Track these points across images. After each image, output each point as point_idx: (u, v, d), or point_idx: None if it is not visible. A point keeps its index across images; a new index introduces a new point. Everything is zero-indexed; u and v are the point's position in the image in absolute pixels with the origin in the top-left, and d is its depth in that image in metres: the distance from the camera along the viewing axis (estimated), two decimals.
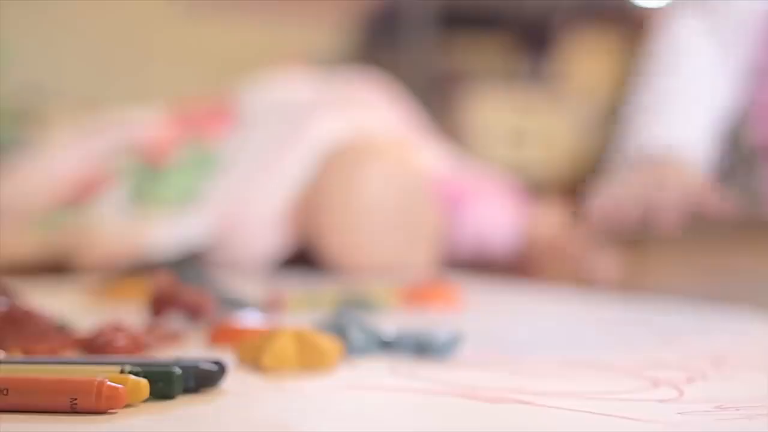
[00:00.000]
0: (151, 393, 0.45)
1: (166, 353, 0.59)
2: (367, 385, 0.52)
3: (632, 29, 2.47)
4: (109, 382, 0.43)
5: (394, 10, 2.76)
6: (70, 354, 0.58)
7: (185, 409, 0.45)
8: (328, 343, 0.57)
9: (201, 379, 0.48)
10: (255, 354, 0.55)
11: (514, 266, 0.98)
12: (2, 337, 0.58)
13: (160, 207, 1.16)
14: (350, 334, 0.60)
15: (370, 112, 1.29)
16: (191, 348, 0.62)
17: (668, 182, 0.90)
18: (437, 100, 2.57)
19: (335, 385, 0.52)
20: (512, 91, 2.73)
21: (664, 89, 0.95)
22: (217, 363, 0.49)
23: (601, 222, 0.93)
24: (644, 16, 1.00)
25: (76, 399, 0.43)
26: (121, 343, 0.57)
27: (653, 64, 0.99)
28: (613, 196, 0.93)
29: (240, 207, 1.18)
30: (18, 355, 0.56)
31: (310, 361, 0.55)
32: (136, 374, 0.46)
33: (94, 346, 0.58)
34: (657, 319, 0.81)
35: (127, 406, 0.44)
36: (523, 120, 2.68)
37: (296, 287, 0.96)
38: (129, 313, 0.72)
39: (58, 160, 1.23)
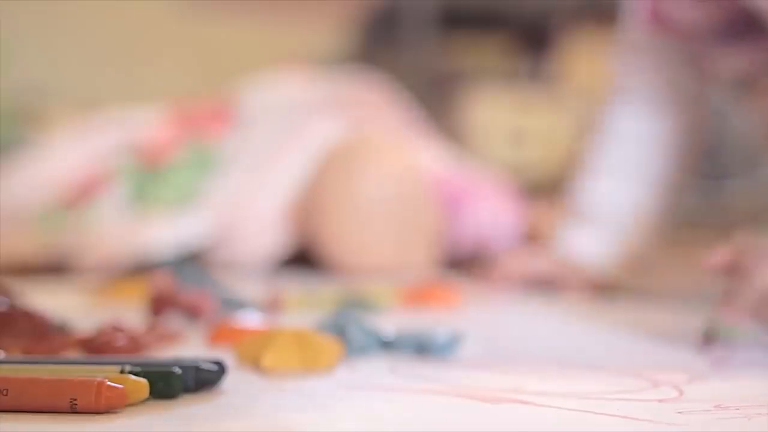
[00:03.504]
0: (151, 393, 0.45)
1: (166, 353, 0.59)
2: (367, 385, 0.52)
3: None
4: (109, 382, 0.43)
5: (394, 11, 2.76)
6: (70, 354, 0.58)
7: (185, 409, 0.45)
8: (328, 343, 0.57)
9: (201, 379, 0.48)
10: (255, 354, 0.55)
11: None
12: (2, 337, 0.58)
13: (159, 207, 1.16)
14: (350, 334, 0.60)
15: (370, 113, 1.29)
16: (191, 348, 0.62)
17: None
18: (437, 100, 2.56)
19: (335, 385, 0.52)
20: (512, 91, 2.73)
21: (607, 152, 0.99)
22: (217, 363, 0.49)
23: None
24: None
25: (75, 399, 0.43)
26: (121, 343, 0.57)
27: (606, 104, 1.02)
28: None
29: (240, 207, 1.18)
30: (18, 355, 0.56)
31: (310, 361, 0.55)
32: (136, 374, 0.46)
33: (94, 346, 0.58)
34: (657, 319, 0.81)
35: (127, 406, 0.44)
36: (523, 120, 2.68)
37: (296, 287, 0.96)
38: (129, 313, 0.72)
39: (58, 160, 1.23)
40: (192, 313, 0.70)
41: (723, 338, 0.66)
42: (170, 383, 0.46)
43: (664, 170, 0.99)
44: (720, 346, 0.65)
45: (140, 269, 1.04)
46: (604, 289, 0.96)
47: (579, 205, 1.01)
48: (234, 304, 0.75)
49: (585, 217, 1.00)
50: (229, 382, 0.49)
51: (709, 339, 0.66)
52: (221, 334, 0.63)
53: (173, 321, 0.70)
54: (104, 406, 0.43)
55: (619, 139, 0.99)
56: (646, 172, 0.98)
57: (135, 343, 0.58)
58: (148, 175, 1.18)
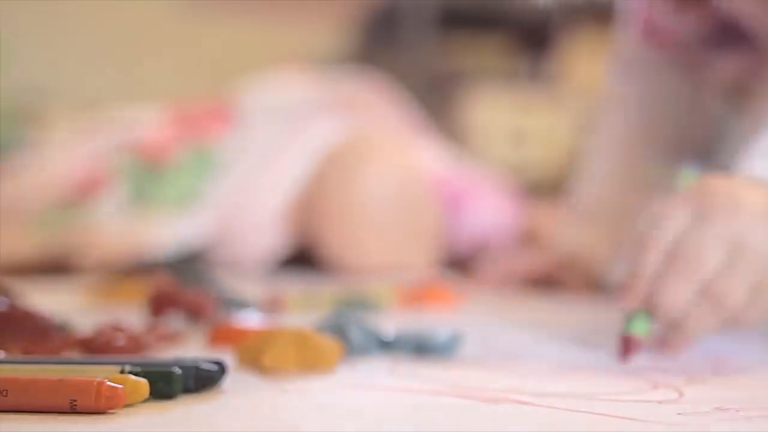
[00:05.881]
0: (151, 393, 0.45)
1: (166, 353, 0.59)
2: (367, 385, 0.52)
3: None
4: (108, 382, 0.43)
5: (394, 11, 2.76)
6: (70, 354, 0.58)
7: (185, 409, 0.45)
8: (328, 343, 0.57)
9: (201, 379, 0.48)
10: (255, 354, 0.55)
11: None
12: (2, 337, 0.58)
13: (160, 207, 1.16)
14: (350, 334, 0.60)
15: (370, 113, 1.29)
16: (191, 348, 0.62)
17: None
18: (437, 100, 2.56)
19: (335, 385, 0.52)
20: (512, 91, 2.73)
21: (601, 156, 1.01)
22: (217, 363, 0.49)
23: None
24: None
25: (75, 399, 0.43)
26: (121, 343, 0.57)
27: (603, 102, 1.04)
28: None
29: (240, 207, 1.18)
30: (18, 355, 0.56)
31: (310, 361, 0.55)
32: (136, 374, 0.46)
33: (94, 346, 0.58)
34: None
35: (127, 406, 0.44)
36: (523, 120, 2.68)
37: (296, 287, 0.96)
38: (129, 313, 0.72)
39: (58, 160, 1.23)
40: (192, 313, 0.70)
41: (635, 330, 0.60)
42: (170, 383, 0.46)
43: (656, 173, 0.99)
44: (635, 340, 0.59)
45: (140, 269, 1.04)
46: (603, 288, 0.96)
47: (576, 205, 1.01)
48: (234, 304, 0.75)
49: (582, 216, 1.00)
50: (229, 382, 0.49)
51: (626, 340, 0.59)
52: (221, 334, 0.63)
53: (173, 321, 0.70)
54: (104, 406, 0.43)
55: (615, 143, 1.00)
56: (640, 176, 0.99)
57: (135, 343, 0.58)
58: (148, 175, 1.18)
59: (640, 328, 0.60)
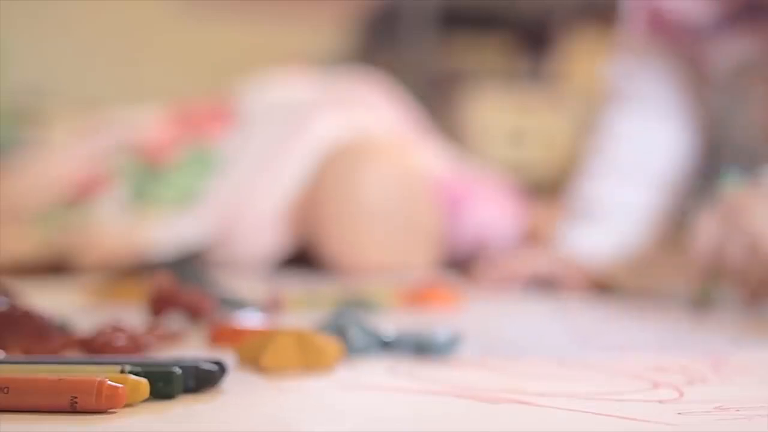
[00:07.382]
0: (151, 393, 0.45)
1: (166, 353, 0.59)
2: (367, 385, 0.52)
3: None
4: (109, 382, 0.43)
5: (393, 10, 2.76)
6: (70, 354, 0.58)
7: (185, 409, 0.45)
8: (328, 343, 0.57)
9: (201, 379, 0.48)
10: (255, 354, 0.55)
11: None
12: (2, 337, 0.58)
13: (160, 207, 1.16)
14: (350, 334, 0.60)
15: (370, 113, 1.29)
16: (191, 348, 0.62)
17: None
18: (437, 100, 2.56)
19: (335, 385, 0.52)
20: (512, 91, 2.73)
21: (609, 154, 1.00)
22: (217, 363, 0.49)
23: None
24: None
25: (76, 399, 0.43)
26: (121, 343, 0.57)
27: (607, 103, 1.03)
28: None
29: (240, 207, 1.18)
30: (18, 355, 0.56)
31: (310, 361, 0.55)
32: (136, 374, 0.46)
33: (94, 346, 0.58)
34: (657, 320, 0.81)
35: (127, 405, 0.44)
36: (523, 120, 2.68)
37: (296, 287, 0.96)
38: (129, 313, 0.72)
39: (58, 160, 1.23)
40: (192, 313, 0.70)
41: (712, 298, 0.83)
42: (170, 383, 0.46)
43: (664, 171, 0.99)
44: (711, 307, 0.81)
45: (140, 269, 1.04)
46: (604, 288, 0.96)
47: (581, 205, 1.01)
48: (234, 304, 0.75)
49: (587, 216, 1.00)
50: (229, 382, 0.49)
51: (700, 303, 0.83)
52: (221, 334, 0.63)
53: (173, 321, 0.70)
54: (105, 405, 0.43)
55: (620, 141, 1.00)
56: (647, 173, 0.99)
57: (135, 343, 0.58)
58: (149, 174, 1.18)
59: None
